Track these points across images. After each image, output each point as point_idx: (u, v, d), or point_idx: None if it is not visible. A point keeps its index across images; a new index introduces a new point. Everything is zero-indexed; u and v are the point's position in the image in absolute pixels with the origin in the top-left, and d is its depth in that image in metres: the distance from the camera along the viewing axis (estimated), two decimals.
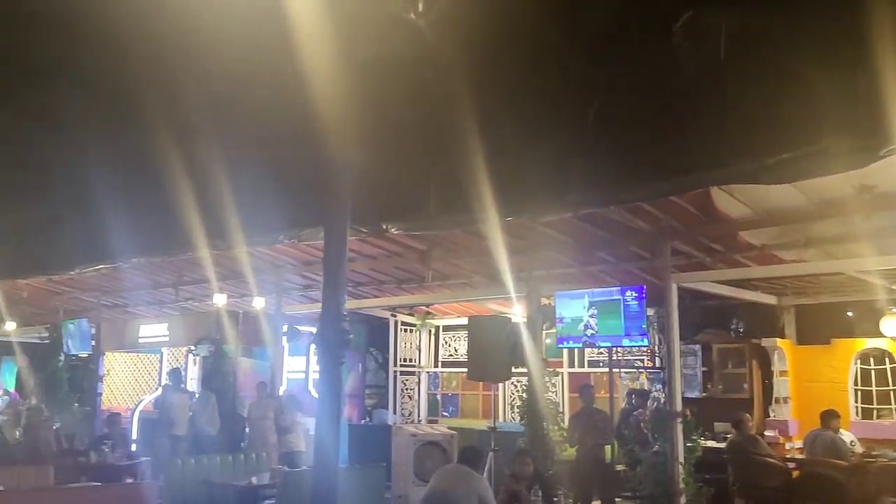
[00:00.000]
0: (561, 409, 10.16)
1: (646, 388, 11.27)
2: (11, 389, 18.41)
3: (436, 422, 14.31)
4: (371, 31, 3.42)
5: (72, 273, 13.98)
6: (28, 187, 13.22)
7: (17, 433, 12.40)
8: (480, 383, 13.07)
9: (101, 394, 15.98)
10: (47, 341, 16.67)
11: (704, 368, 11.51)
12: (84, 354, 16.33)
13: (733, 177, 3.47)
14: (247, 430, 12.44)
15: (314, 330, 5.53)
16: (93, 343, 15.92)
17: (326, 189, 3.09)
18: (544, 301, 9.78)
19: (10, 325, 16.36)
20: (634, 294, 8.98)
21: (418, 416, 14.99)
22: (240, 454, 10.40)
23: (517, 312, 10.86)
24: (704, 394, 11.36)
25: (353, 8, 3.19)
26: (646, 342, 9.60)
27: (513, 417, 10.82)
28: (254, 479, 8.87)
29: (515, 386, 10.46)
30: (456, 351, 14.91)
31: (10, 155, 12.40)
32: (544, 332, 10.03)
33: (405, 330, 15.07)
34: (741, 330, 11.53)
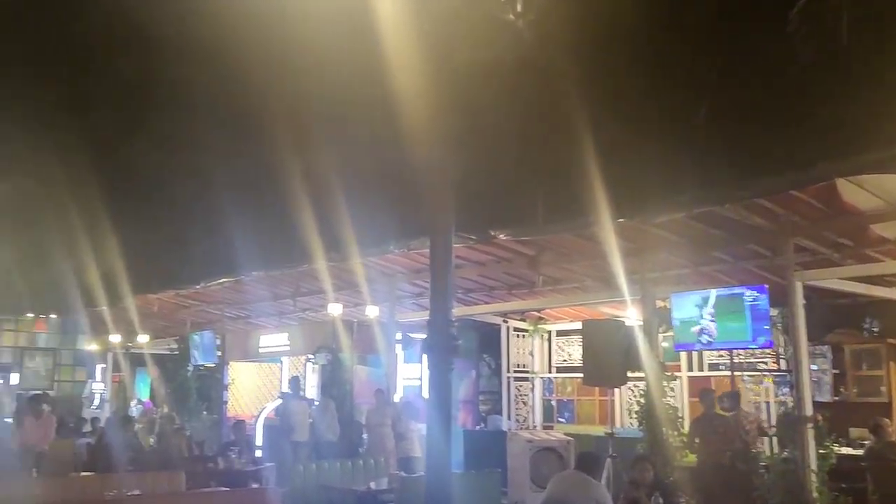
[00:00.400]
0: (680, 415, 9.81)
1: (741, 390, 10.68)
2: (145, 399, 19.51)
3: (551, 427, 14.16)
4: (469, 35, 3.41)
5: (197, 287, 14.79)
6: (159, 209, 14.01)
7: (151, 440, 13.12)
8: (596, 388, 12.84)
9: (226, 402, 16.69)
10: (176, 353, 17.59)
11: (836, 371, 10.86)
12: (210, 364, 17.11)
13: (861, 167, 3.26)
14: (364, 436, 12.69)
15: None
16: (218, 353, 16.65)
17: (430, 198, 3.10)
18: (659, 304, 9.51)
19: (143, 338, 17.34)
20: (756, 294, 8.57)
21: (533, 422, 14.86)
22: (358, 460, 10.61)
23: (631, 316, 10.60)
24: (836, 398, 10.72)
25: (450, 13, 3.19)
26: (768, 343, 9.13)
27: (630, 423, 10.54)
28: (372, 485, 9.02)
29: (632, 391, 10.18)
30: (570, 356, 14.70)
31: (142, 179, 13.16)
32: (660, 335, 9.75)
33: (517, 335, 14.98)
34: (875, 329, 10.81)
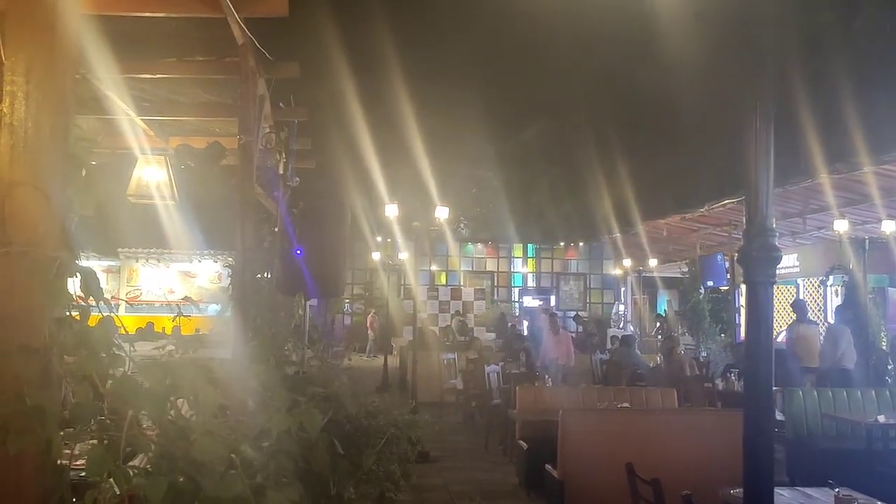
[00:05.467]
0: None
1: None
2: (659, 320, 20.32)
3: None
4: None
5: (702, 210, 14.79)
6: (663, 137, 14.38)
7: (658, 358, 13.70)
8: None
9: (739, 325, 16.44)
10: (687, 275, 17.89)
11: None
12: (723, 287, 17.01)
13: None
14: (890, 366, 11.33)
15: None
16: (728, 276, 16.45)
17: None
18: None
19: (653, 262, 18.05)
20: None
21: None
22: (884, 390, 9.49)
23: None
24: None
25: None
26: None
27: None
28: (881, 418, 8.07)
29: None
30: None
31: (649, 109, 13.58)
32: None
33: None
34: None
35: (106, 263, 16.83)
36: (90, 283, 2.00)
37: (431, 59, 12.60)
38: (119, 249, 15.44)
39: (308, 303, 7.13)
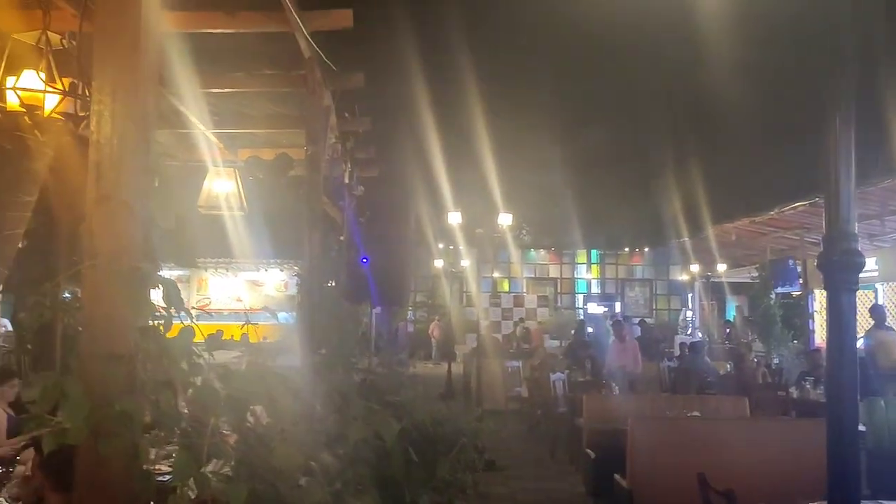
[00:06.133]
0: None
1: None
2: (728, 326, 19.81)
3: None
4: None
5: (772, 213, 14.41)
6: (730, 139, 14.10)
7: (728, 366, 13.34)
8: None
9: (813, 331, 15.94)
10: (757, 280, 17.42)
11: None
12: (795, 292, 16.52)
13: None
14: None
15: None
16: (800, 281, 15.97)
17: None
18: None
19: (721, 267, 17.64)
20: None
21: None
22: None
23: None
24: None
25: None
26: None
27: None
28: None
29: None
30: None
31: (714, 110, 13.32)
32: None
33: None
34: None
35: (177, 273, 17.32)
36: (171, 293, 2.07)
37: (495, 65, 12.61)
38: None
39: (373, 311, 7.20)
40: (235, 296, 18.77)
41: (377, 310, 7.80)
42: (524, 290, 25.30)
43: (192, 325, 2.16)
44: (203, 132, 7.27)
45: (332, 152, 7.12)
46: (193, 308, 16.72)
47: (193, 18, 4.90)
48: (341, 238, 7.00)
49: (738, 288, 18.63)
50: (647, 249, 25.52)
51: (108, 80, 2.03)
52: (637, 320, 21.55)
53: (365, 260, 6.29)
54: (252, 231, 8.30)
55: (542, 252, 27.16)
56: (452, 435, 4.35)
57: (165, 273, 2.16)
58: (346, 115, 7.40)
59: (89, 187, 2.05)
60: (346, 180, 7.49)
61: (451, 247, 22.35)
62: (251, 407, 1.94)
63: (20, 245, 7.86)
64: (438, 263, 23.70)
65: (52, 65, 3.56)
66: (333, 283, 6.97)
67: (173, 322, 2.13)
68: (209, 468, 1.86)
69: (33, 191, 7.18)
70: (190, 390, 2.00)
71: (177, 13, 4.68)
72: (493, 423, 8.61)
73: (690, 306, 22.93)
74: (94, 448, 1.85)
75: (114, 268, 2.04)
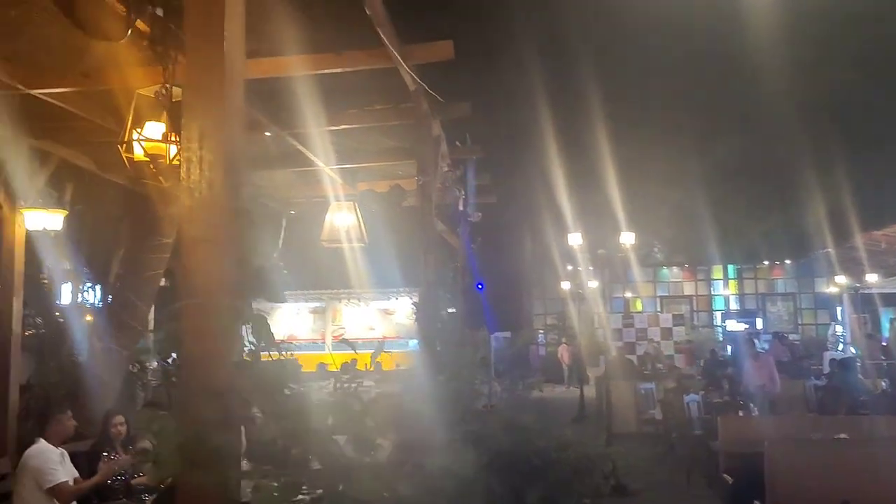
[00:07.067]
0: None
1: None
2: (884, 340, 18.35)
3: None
4: None
5: None
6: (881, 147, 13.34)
7: (883, 384, 12.37)
8: None
9: None
10: None
11: None
12: None
13: None
14: None
15: None
16: None
17: None
18: None
19: (872, 277, 16.46)
20: None
21: None
22: None
23: None
24: None
25: None
26: None
27: None
28: None
29: None
30: None
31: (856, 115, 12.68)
32: None
33: None
34: None
35: (313, 305, 17.99)
36: (261, 328, 2.15)
37: (614, 80, 12.40)
38: (322, 291, 16.46)
39: (494, 335, 7.19)
40: (368, 325, 19.24)
41: (495, 334, 7.80)
42: (658, 310, 24.52)
43: (288, 356, 2.24)
44: (323, 168, 7.57)
45: (445, 180, 7.22)
46: (329, 338, 17.35)
47: (303, 62, 5.11)
48: (457, 264, 7.06)
49: (891, 299, 17.29)
50: (788, 262, 24.19)
51: (195, 128, 2.16)
52: (769, 335, 20.39)
53: (480, 286, 6.31)
54: (375, 261, 8.52)
55: (676, 269, 26.30)
56: (578, 460, 4.25)
57: (302, 305, 2.24)
58: (458, 143, 7.49)
59: (182, 230, 2.17)
60: (461, 207, 7.57)
61: (579, 268, 22.04)
62: (336, 438, 1.98)
63: (162, 284, 8.45)
64: (566, 286, 23.39)
65: (170, 117, 3.82)
66: (454, 310, 7.02)
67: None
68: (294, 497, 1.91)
69: (171, 233, 7.72)
70: (282, 422, 2.07)
71: (286, 58, 4.91)
72: (624, 447, 8.37)
73: (840, 320, 21.46)
74: (194, 484, 1.94)
75: (209, 306, 2.15)
